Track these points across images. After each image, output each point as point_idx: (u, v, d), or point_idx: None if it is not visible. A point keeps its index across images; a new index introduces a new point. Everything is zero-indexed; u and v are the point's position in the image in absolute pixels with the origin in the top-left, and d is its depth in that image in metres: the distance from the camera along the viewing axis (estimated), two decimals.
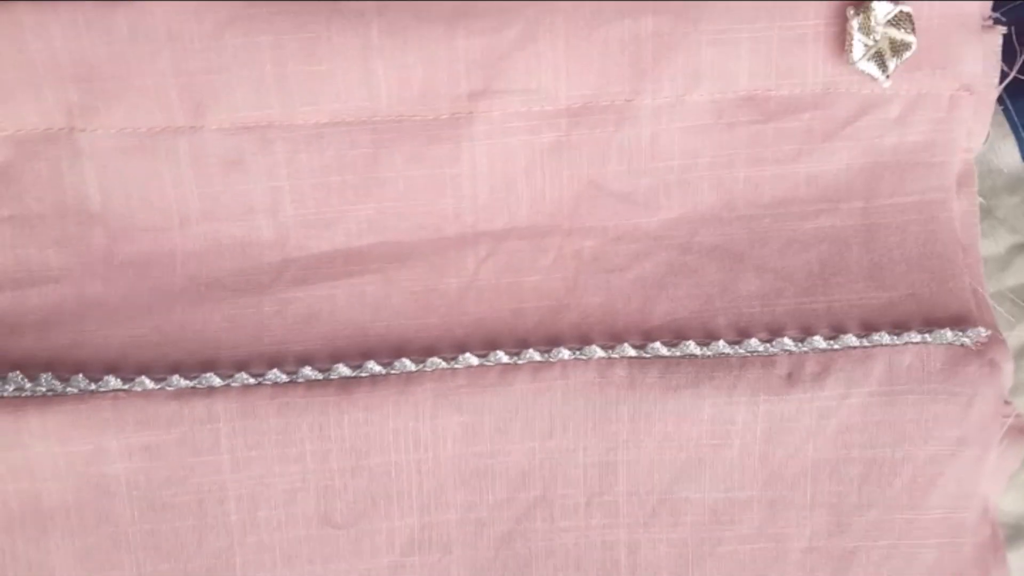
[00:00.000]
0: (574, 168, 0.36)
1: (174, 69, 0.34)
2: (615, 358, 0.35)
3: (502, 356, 0.35)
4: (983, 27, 0.35)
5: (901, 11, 0.34)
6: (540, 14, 0.34)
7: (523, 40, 0.34)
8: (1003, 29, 0.36)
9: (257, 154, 0.35)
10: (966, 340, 0.35)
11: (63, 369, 0.34)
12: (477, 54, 0.34)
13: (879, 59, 0.35)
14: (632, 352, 0.35)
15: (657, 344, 0.35)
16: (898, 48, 0.35)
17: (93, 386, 0.34)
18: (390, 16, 0.34)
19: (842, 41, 0.35)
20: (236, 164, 0.35)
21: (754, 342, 0.35)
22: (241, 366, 0.35)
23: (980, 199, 0.37)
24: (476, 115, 0.35)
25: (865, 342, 0.35)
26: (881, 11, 0.34)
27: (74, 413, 0.33)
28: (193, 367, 0.35)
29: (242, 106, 0.34)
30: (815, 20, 0.35)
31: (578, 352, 0.35)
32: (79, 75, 0.34)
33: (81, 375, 0.34)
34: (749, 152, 0.36)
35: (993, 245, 0.38)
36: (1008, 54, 0.36)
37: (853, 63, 0.35)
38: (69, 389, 0.34)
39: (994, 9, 0.36)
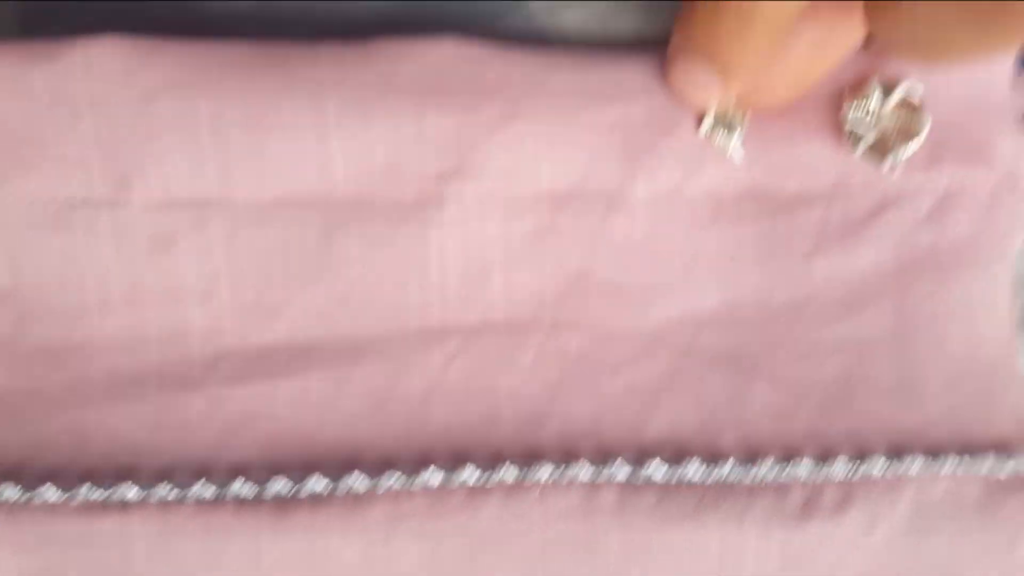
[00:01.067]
0: (559, 257, 0.31)
1: (96, 137, 0.29)
2: (602, 479, 0.30)
3: (472, 472, 0.30)
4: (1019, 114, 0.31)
5: (905, 98, 0.30)
6: (520, 94, 0.30)
7: (502, 119, 0.30)
8: None
9: (190, 233, 0.30)
10: (1008, 469, 0.30)
11: None
12: (448, 133, 0.30)
13: (882, 150, 0.30)
14: (626, 470, 0.30)
15: (654, 464, 0.30)
16: (906, 135, 0.30)
17: None
18: (350, 88, 0.29)
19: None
20: (165, 244, 0.30)
21: (766, 466, 0.30)
22: (163, 476, 0.30)
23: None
24: (446, 197, 0.30)
25: (893, 469, 0.30)
26: (883, 98, 0.30)
27: None
28: (108, 475, 0.30)
29: (174, 179, 0.30)
30: (813, 111, 0.31)
31: (563, 468, 0.30)
32: None
33: None
34: (756, 249, 0.31)
35: None
36: None
37: (856, 154, 0.30)
38: None
39: None
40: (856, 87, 0.31)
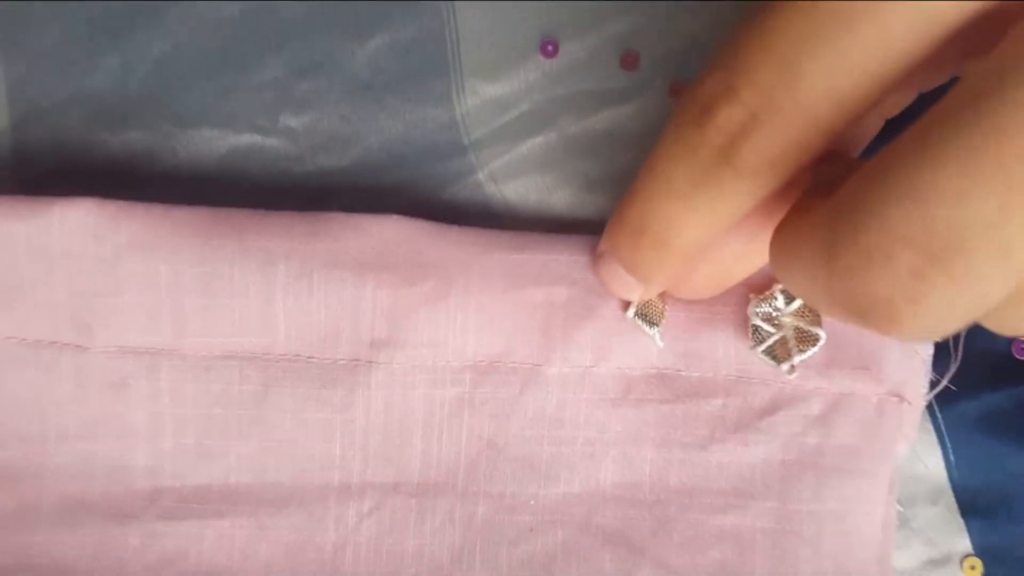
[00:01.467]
0: (474, 428, 0.34)
1: (68, 288, 0.33)
2: None
3: None
4: None
5: (804, 305, 0.32)
6: (453, 273, 0.33)
7: (433, 296, 0.33)
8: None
9: (141, 379, 0.33)
10: None
11: None
12: (384, 305, 0.33)
13: (783, 350, 0.33)
14: None
15: None
16: (804, 340, 0.32)
17: None
18: (298, 259, 0.33)
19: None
20: (118, 387, 0.33)
21: None
22: None
23: (899, 507, 0.35)
24: (376, 364, 0.33)
25: None
26: (784, 300, 0.32)
27: None
28: None
29: (132, 332, 0.33)
30: (723, 306, 0.33)
31: None
32: None
33: None
34: (658, 432, 0.34)
35: (908, 557, 0.35)
36: (941, 357, 0.34)
37: (756, 352, 0.33)
38: None
39: None
40: (760, 288, 0.33)
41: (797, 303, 0.33)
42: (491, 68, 0.36)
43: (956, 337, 0.34)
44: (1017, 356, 0.35)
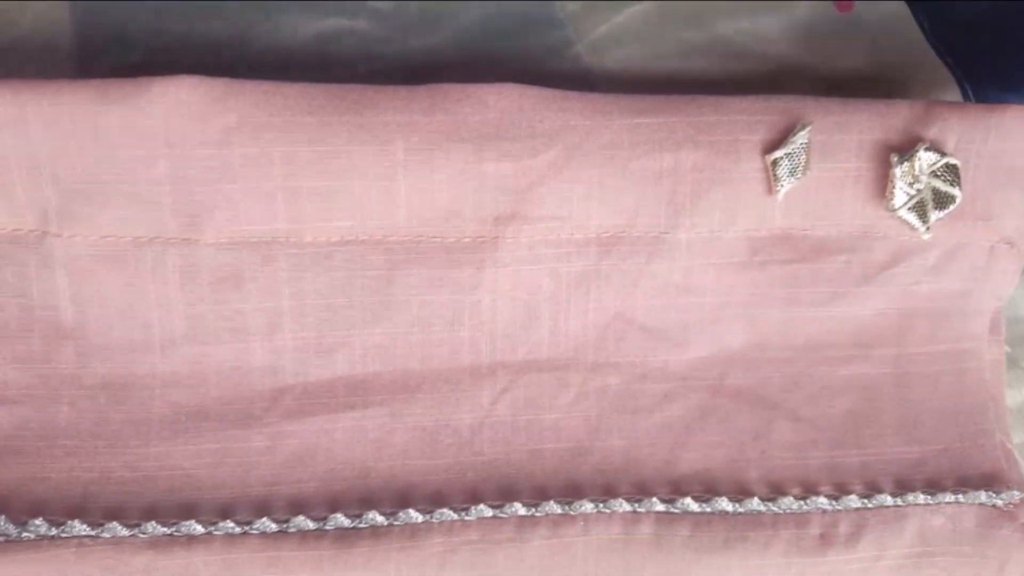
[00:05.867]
0: (601, 300, 0.33)
1: (171, 176, 0.30)
2: (641, 512, 0.32)
3: (519, 508, 0.31)
4: None
5: (948, 163, 0.33)
6: (576, 141, 0.32)
7: (556, 167, 0.32)
8: None
9: (257, 272, 0.31)
10: (999, 502, 0.33)
11: (20, 510, 0.30)
12: (507, 178, 0.32)
13: (921, 209, 0.33)
14: (660, 508, 0.32)
15: (687, 500, 0.32)
16: (942, 200, 0.33)
17: (54, 531, 0.29)
18: (418, 134, 0.31)
19: (883, 185, 0.33)
20: (231, 281, 0.31)
21: (788, 500, 0.33)
22: (226, 511, 0.31)
23: (1007, 347, 0.36)
24: (502, 240, 0.32)
25: (899, 501, 0.33)
26: (927, 161, 0.33)
27: (30, 563, 0.29)
28: (171, 511, 0.31)
29: (245, 220, 0.31)
30: (856, 163, 0.33)
31: (601, 505, 0.32)
32: (58, 175, 0.30)
33: (40, 518, 0.29)
34: (783, 292, 0.34)
35: (1018, 395, 0.37)
36: None
37: (893, 210, 0.33)
38: (26, 534, 0.29)
39: None
40: (902, 147, 0.33)
41: (939, 162, 0.33)
42: None
43: None
44: None
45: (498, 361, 0.33)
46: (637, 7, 0.35)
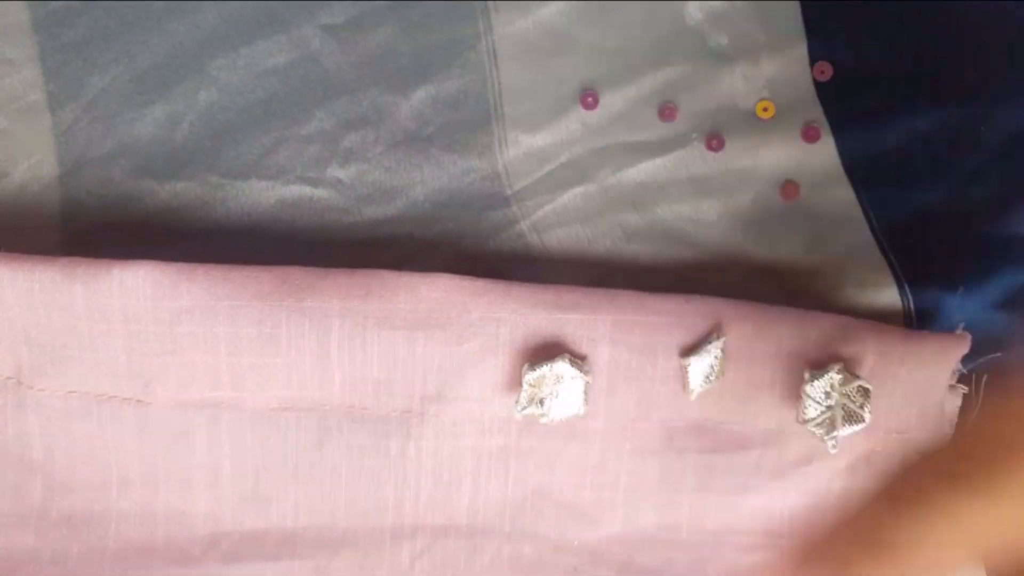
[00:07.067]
0: (520, 474, 0.35)
1: (127, 347, 0.34)
2: None
3: None
4: (949, 387, 0.35)
5: (859, 386, 0.34)
6: (501, 331, 0.34)
7: (482, 353, 0.34)
8: (964, 389, 0.35)
9: (202, 430, 0.35)
10: None
11: None
12: (434, 362, 0.34)
13: (830, 425, 0.34)
14: None
15: None
16: (851, 418, 0.34)
17: None
18: (352, 320, 0.34)
19: (797, 394, 0.34)
20: (180, 438, 0.35)
21: None
22: None
23: None
24: (427, 416, 0.35)
25: None
26: (838, 381, 0.34)
27: None
28: None
29: (192, 387, 0.34)
30: (772, 371, 0.35)
31: None
32: (31, 338, 0.34)
33: None
34: (696, 480, 0.36)
35: None
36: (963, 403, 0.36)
37: (803, 423, 0.34)
38: None
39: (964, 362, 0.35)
40: (818, 363, 0.34)
41: (851, 384, 0.34)
42: (533, 120, 0.37)
43: (978, 383, 0.36)
44: None
45: (419, 524, 0.36)
46: (580, 189, 0.37)
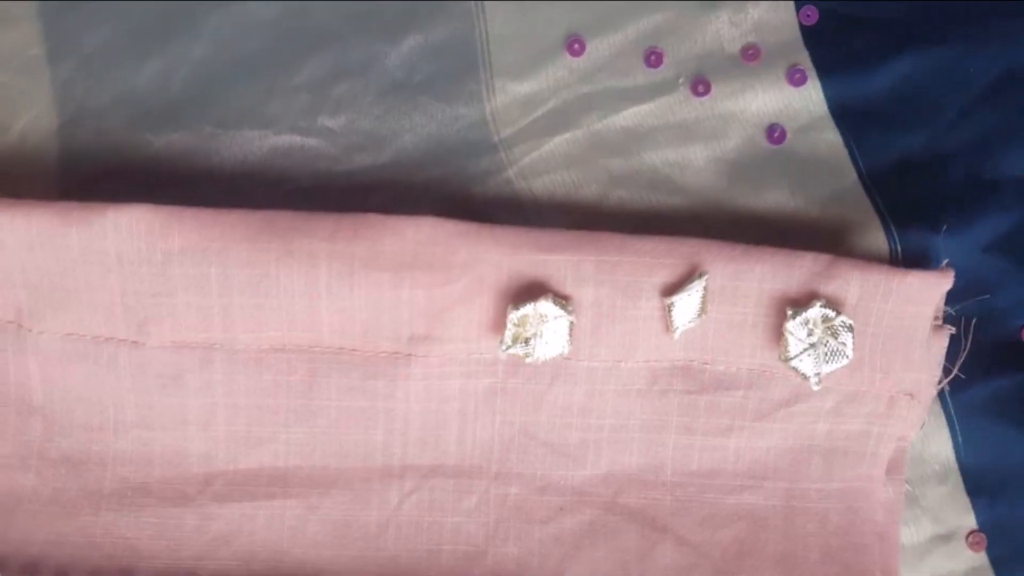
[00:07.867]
0: (507, 415, 0.36)
1: (121, 289, 0.35)
2: None
3: None
4: (933, 327, 0.35)
5: (842, 321, 0.34)
6: (486, 272, 0.35)
7: (467, 295, 0.35)
8: (951, 330, 0.35)
9: (196, 371, 0.35)
10: None
11: None
12: (420, 304, 0.35)
13: (812, 362, 0.34)
14: None
15: None
16: (834, 355, 0.34)
17: None
18: (340, 261, 0.34)
19: (780, 333, 0.34)
20: (174, 379, 0.36)
21: None
22: None
23: (907, 487, 0.37)
24: (415, 357, 0.35)
25: None
26: (821, 316, 0.34)
27: None
28: (112, 574, 0.35)
29: (185, 328, 0.35)
30: (754, 310, 0.35)
31: None
32: (29, 281, 0.35)
33: None
34: (680, 421, 0.36)
35: (914, 534, 0.37)
36: (953, 345, 0.36)
37: (786, 360, 0.34)
38: None
39: (948, 303, 0.35)
40: (800, 300, 0.34)
41: (833, 319, 0.34)
42: (519, 67, 0.37)
43: (967, 326, 0.36)
44: None
45: (408, 464, 0.36)
46: (567, 135, 0.37)
